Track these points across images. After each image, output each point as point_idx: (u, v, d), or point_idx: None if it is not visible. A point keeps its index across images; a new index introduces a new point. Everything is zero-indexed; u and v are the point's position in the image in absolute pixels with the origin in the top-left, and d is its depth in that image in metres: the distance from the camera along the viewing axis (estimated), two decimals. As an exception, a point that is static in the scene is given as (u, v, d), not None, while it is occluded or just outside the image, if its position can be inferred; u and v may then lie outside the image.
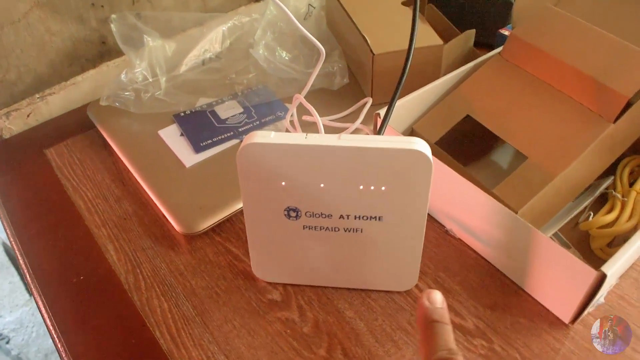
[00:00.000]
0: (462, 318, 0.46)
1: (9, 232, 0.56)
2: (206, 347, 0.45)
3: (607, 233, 0.48)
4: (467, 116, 0.54)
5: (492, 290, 0.48)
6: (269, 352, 0.44)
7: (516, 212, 0.47)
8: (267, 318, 0.47)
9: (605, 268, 0.40)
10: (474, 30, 0.63)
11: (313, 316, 0.47)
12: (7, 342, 1.39)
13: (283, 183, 0.42)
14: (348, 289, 0.48)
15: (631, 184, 0.52)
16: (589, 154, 0.49)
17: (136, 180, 0.58)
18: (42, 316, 0.49)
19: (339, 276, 0.48)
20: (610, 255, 0.41)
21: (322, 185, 0.42)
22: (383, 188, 0.41)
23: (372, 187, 0.41)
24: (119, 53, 0.70)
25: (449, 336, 0.34)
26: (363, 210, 0.43)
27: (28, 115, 0.67)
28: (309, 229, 0.44)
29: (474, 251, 0.51)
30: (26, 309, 1.44)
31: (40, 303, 0.50)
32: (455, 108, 0.56)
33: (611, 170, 0.54)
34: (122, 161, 0.60)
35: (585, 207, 0.53)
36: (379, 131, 0.48)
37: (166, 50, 0.66)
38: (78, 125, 0.67)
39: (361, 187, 0.41)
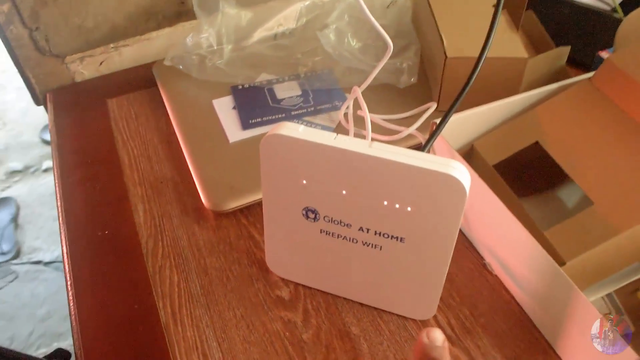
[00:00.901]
0: (476, 365, 0.41)
1: (55, 174, 0.58)
2: (202, 330, 0.44)
3: (669, 309, 0.41)
4: (536, 143, 0.48)
5: (519, 341, 0.43)
6: (261, 351, 0.42)
7: (565, 263, 0.41)
8: (270, 315, 0.45)
9: (649, 354, 0.34)
10: (568, 47, 0.56)
11: (317, 323, 0.44)
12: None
13: (304, 181, 0.39)
14: (360, 303, 0.45)
15: None
16: (669, 214, 0.42)
17: (181, 146, 0.58)
18: (63, 260, 0.50)
19: (353, 289, 0.45)
20: None
21: (344, 192, 0.38)
22: (409, 209, 0.37)
23: (397, 205, 0.37)
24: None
25: None
26: (384, 228, 0.39)
27: (101, 63, 0.69)
28: (326, 234, 0.41)
29: (509, 293, 0.46)
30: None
31: (63, 247, 0.51)
32: (525, 131, 0.50)
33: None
34: (173, 125, 0.60)
35: (654, 272, 0.45)
36: (426, 142, 0.43)
37: (241, 19, 0.64)
38: (144, 80, 0.67)
39: (385, 202, 0.37)
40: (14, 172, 1.75)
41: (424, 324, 0.44)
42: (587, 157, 0.46)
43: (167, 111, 0.62)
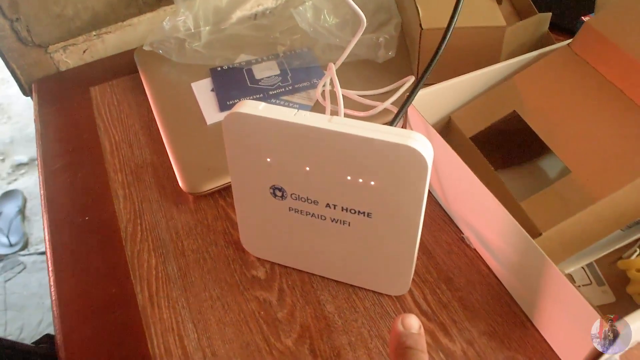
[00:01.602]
0: (451, 339, 0.41)
1: (38, 162, 0.58)
2: (178, 312, 0.44)
3: (647, 278, 0.40)
4: (514, 112, 0.47)
5: (496, 315, 0.42)
6: (236, 331, 0.42)
7: (541, 233, 0.40)
8: (245, 295, 0.45)
9: (630, 319, 0.33)
10: (549, 14, 0.54)
11: (291, 302, 0.44)
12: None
13: (268, 159, 0.39)
14: (335, 280, 0.45)
15: (702, 224, 0.42)
16: (649, 180, 0.40)
17: (158, 131, 0.57)
18: (45, 247, 0.51)
19: (327, 266, 0.44)
20: None
21: (307, 168, 0.38)
22: (372, 183, 0.36)
23: (361, 180, 0.37)
24: (176, -2, 0.69)
25: None
26: (350, 203, 0.38)
27: (84, 51, 0.69)
28: (295, 211, 0.41)
29: (487, 267, 0.45)
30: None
31: (46, 235, 0.51)
32: (502, 100, 0.48)
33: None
34: (152, 109, 0.60)
35: (635, 242, 0.44)
36: (395, 116, 0.42)
37: (221, 0, 0.63)
38: (127, 67, 0.67)
39: (349, 177, 0.37)
40: (20, 165, 1.78)
41: (399, 299, 0.43)
42: (565, 125, 0.45)
43: (146, 97, 0.62)
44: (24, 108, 1.95)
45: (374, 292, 0.44)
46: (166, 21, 0.60)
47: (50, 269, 0.49)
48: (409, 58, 0.60)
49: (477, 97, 0.50)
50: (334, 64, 0.53)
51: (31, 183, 1.73)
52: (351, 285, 0.44)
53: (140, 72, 0.63)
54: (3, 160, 1.80)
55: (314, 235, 0.42)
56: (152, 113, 0.60)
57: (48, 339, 0.53)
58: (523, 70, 0.49)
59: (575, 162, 0.42)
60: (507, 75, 0.51)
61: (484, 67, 0.50)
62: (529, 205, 0.42)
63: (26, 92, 0.71)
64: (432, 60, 0.43)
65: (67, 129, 0.61)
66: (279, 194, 0.40)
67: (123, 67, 0.68)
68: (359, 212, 0.38)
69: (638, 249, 0.43)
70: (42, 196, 0.55)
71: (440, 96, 0.49)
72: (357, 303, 0.44)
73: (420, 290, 0.44)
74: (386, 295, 0.44)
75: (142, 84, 0.64)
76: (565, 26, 0.59)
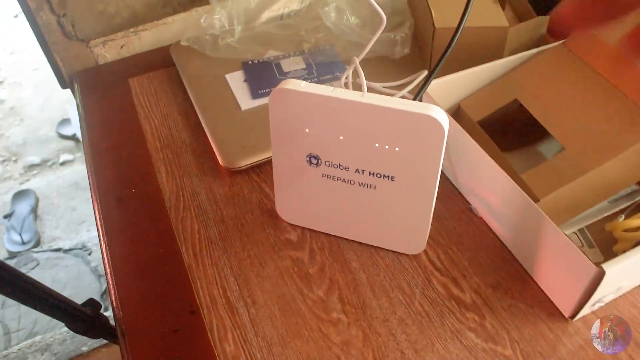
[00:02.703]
0: (462, 291, 0.47)
1: (84, 144, 0.64)
2: (220, 268, 0.50)
3: (631, 237, 0.46)
4: (515, 100, 0.54)
5: (500, 271, 0.48)
6: (273, 283, 0.48)
7: (538, 200, 0.47)
8: (280, 254, 0.51)
9: (606, 266, 0.39)
10: (547, 17, 0.61)
11: (321, 260, 0.50)
12: (90, 254, 1.57)
13: (307, 130, 0.45)
14: (360, 243, 0.51)
15: (678, 196, 0.49)
16: (631, 155, 0.47)
17: (197, 116, 0.64)
18: (95, 215, 0.57)
19: (352, 229, 0.50)
20: None
21: (341, 137, 0.44)
22: (397, 149, 0.43)
23: (387, 147, 0.43)
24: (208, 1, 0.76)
25: None
26: (377, 168, 0.45)
27: (122, 47, 0.75)
28: (328, 177, 0.47)
29: (493, 232, 0.51)
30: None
31: (95, 204, 0.57)
32: (504, 90, 0.55)
33: (662, 180, 0.51)
34: (189, 97, 0.66)
35: (622, 210, 0.51)
36: (415, 97, 0.49)
37: (250, 2, 0.70)
38: (162, 61, 0.74)
39: (377, 145, 0.43)
40: (32, 166, 1.83)
41: (415, 258, 0.50)
42: (560, 110, 0.51)
43: (184, 88, 0.69)
44: (37, 111, 2.01)
45: (393, 251, 0.50)
46: (203, 19, 0.67)
47: (101, 234, 0.54)
48: (421, 55, 0.67)
49: (483, 88, 0.57)
50: (357, 57, 0.59)
51: (43, 184, 1.78)
52: (373, 246, 0.51)
53: (177, 65, 0.70)
54: (16, 161, 1.85)
55: (343, 199, 0.48)
56: (189, 102, 0.67)
57: (92, 302, 0.58)
58: (523, 64, 0.56)
59: (569, 140, 0.49)
60: (509, 69, 0.57)
61: (488, 62, 0.57)
62: (529, 176, 0.49)
63: (65, 84, 0.77)
64: (444, 54, 0.50)
65: (110, 115, 0.67)
66: (314, 161, 0.47)
67: (157, 62, 0.74)
68: (384, 176, 0.45)
69: (623, 215, 0.49)
70: (91, 173, 0.61)
71: (451, 86, 0.56)
72: (378, 261, 0.50)
73: (434, 251, 0.50)
74: (404, 254, 0.50)
75: (177, 76, 0.70)
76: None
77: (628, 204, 0.51)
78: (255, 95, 0.63)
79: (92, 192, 0.59)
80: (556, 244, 0.43)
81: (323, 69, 0.66)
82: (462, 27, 0.50)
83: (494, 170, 0.47)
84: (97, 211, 0.57)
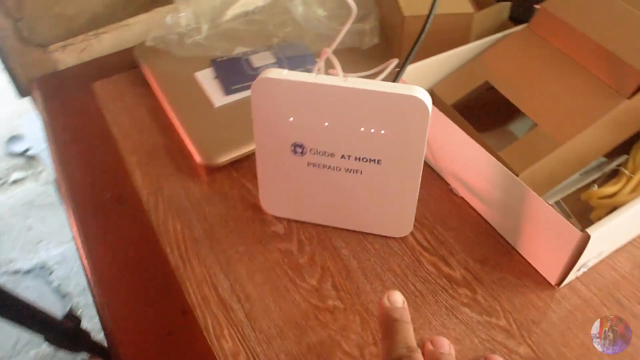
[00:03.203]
0: (451, 268, 0.48)
1: (51, 149, 0.62)
2: (209, 266, 0.49)
3: (606, 203, 0.48)
4: (487, 84, 0.56)
5: (485, 247, 0.50)
6: (265, 277, 0.48)
7: (517, 175, 0.48)
8: (268, 247, 0.50)
9: (590, 230, 0.41)
10: (509, 3, 0.64)
11: (310, 250, 0.50)
12: (50, 274, 1.51)
13: (291, 119, 0.45)
14: (347, 230, 0.51)
15: (644, 164, 0.52)
16: (600, 127, 0.49)
17: (168, 116, 0.63)
18: (70, 225, 0.55)
19: (339, 216, 0.51)
20: None
21: (326, 123, 0.44)
22: (382, 132, 0.43)
23: (372, 130, 0.43)
24: (171, 0, 0.75)
25: (408, 334, 0.35)
26: (363, 152, 0.45)
27: (82, 50, 0.73)
28: (313, 166, 0.47)
29: (475, 210, 0.52)
30: (71, 244, 1.55)
31: (70, 213, 0.55)
32: (475, 73, 0.57)
33: (627, 150, 0.54)
34: (158, 98, 0.65)
35: (594, 181, 0.53)
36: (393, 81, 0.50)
37: (213, 0, 0.70)
38: (125, 64, 0.72)
39: (362, 129, 0.44)
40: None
41: (403, 240, 0.50)
42: (530, 89, 0.53)
43: (151, 89, 0.67)
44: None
45: (381, 236, 0.51)
46: (169, 18, 0.66)
47: (79, 241, 0.53)
48: (388, 44, 0.68)
49: (454, 72, 0.58)
50: (329, 48, 0.60)
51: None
52: (361, 232, 0.51)
53: (142, 66, 0.68)
54: (-38, 182, 1.76)
55: (329, 186, 0.48)
56: (158, 102, 0.65)
57: (72, 314, 0.56)
58: (491, 48, 0.58)
59: (540, 117, 0.51)
60: (477, 53, 0.59)
61: (456, 48, 0.58)
62: (506, 153, 0.50)
63: (24, 92, 0.74)
64: (417, 40, 0.51)
65: (76, 121, 0.65)
66: (299, 150, 0.47)
67: (121, 64, 0.72)
68: (370, 160, 0.45)
69: (596, 185, 0.51)
70: (61, 181, 0.58)
71: (423, 72, 0.57)
72: (367, 246, 0.50)
73: (420, 232, 0.51)
74: (392, 237, 0.50)
75: (143, 78, 0.69)
76: (519, 18, 0.69)
77: (598, 175, 0.53)
78: (228, 91, 0.62)
79: (64, 201, 0.57)
80: (540, 214, 0.44)
81: (294, 62, 0.66)
82: (433, 13, 0.51)
83: (473, 148, 0.49)
84: (72, 220, 0.55)
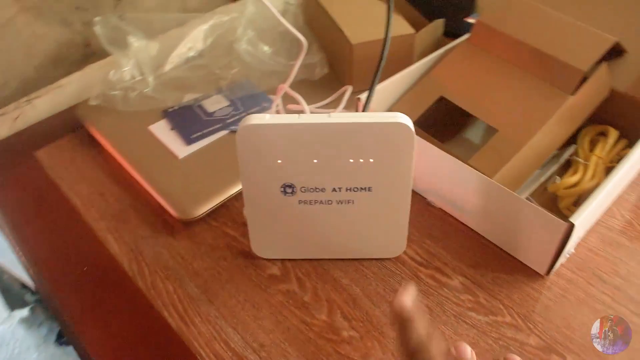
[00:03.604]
0: (449, 277, 0.50)
1: (7, 232, 0.57)
2: (214, 322, 0.48)
3: (572, 192, 0.53)
4: (441, 97, 0.59)
5: (473, 251, 0.52)
6: (274, 322, 0.48)
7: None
8: (269, 291, 0.50)
9: (573, 219, 0.44)
10: (442, 20, 0.68)
11: (312, 286, 0.50)
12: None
13: (279, 161, 0.45)
14: (342, 259, 0.52)
15: (591, 150, 0.57)
16: (552, 124, 0.54)
17: (130, 174, 0.60)
18: (51, 309, 0.51)
19: (334, 247, 0.51)
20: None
21: (315, 160, 0.45)
22: (371, 160, 0.45)
23: (361, 160, 0.45)
24: (102, 55, 0.72)
25: (421, 330, 0.34)
26: (354, 182, 0.46)
27: (15, 119, 0.68)
28: (305, 203, 0.48)
29: (454, 218, 0.55)
30: (6, 325, 1.42)
31: (47, 296, 0.51)
32: (429, 90, 0.60)
33: (573, 140, 0.59)
34: (114, 158, 0.62)
35: (552, 174, 0.58)
36: (364, 108, 0.52)
37: (150, 50, 0.68)
38: (66, 126, 0.68)
39: (351, 160, 0.45)
40: None
41: (398, 259, 0.52)
42: (483, 98, 0.57)
43: (102, 149, 0.64)
44: None
45: (376, 259, 0.52)
46: (112, 73, 0.64)
47: (69, 323, 0.49)
48: (334, 75, 0.70)
49: (408, 92, 0.61)
50: (284, 84, 0.61)
51: None
52: (356, 260, 0.52)
53: (88, 127, 0.65)
54: None
55: (322, 220, 0.49)
56: (113, 162, 0.63)
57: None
58: (439, 64, 0.61)
59: (499, 123, 0.55)
60: (426, 71, 0.62)
61: (401, 69, 0.61)
62: (475, 161, 0.53)
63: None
64: (379, 65, 0.53)
65: (26, 195, 0.61)
66: (289, 190, 0.47)
67: (61, 128, 0.68)
68: (361, 188, 0.47)
69: (557, 177, 0.56)
70: (27, 264, 0.54)
71: (381, 94, 0.60)
72: (365, 272, 0.51)
73: (411, 248, 0.53)
74: (387, 259, 0.52)
75: (90, 139, 0.66)
76: (449, 31, 0.73)
77: (555, 167, 0.58)
78: (188, 141, 0.61)
79: (37, 284, 0.53)
80: (523, 213, 0.48)
81: (248, 102, 0.66)
82: (389, 37, 0.53)
83: (449, 161, 0.51)
84: (52, 299, 0.51)
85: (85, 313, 0.49)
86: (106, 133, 0.64)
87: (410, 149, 0.44)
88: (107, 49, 0.65)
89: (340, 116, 0.43)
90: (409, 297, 0.36)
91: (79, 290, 0.51)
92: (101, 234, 0.56)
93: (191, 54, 0.71)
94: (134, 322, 0.49)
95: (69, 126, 0.68)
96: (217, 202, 0.56)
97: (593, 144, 0.58)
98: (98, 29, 0.65)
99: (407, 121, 0.43)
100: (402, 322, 0.35)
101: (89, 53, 0.71)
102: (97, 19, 0.65)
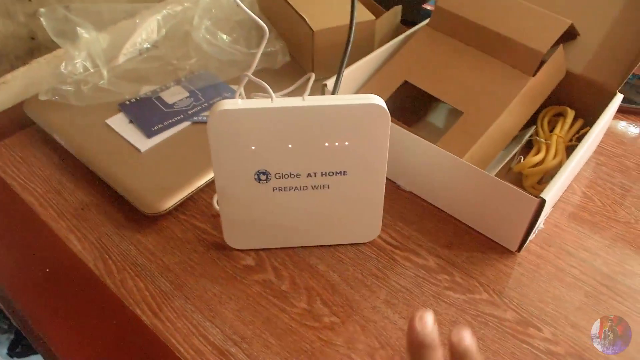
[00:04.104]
0: (424, 259, 0.51)
1: (-44, 237, 0.53)
2: (190, 317, 0.46)
3: (537, 171, 0.54)
4: (405, 82, 0.59)
5: (446, 232, 0.53)
6: (253, 312, 0.46)
7: (460, 160, 0.52)
8: (245, 282, 0.49)
9: (544, 194, 0.46)
10: (400, 6, 0.69)
11: (289, 274, 0.49)
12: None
13: (253, 147, 0.44)
14: (317, 246, 0.51)
15: (551, 131, 0.59)
16: (516, 105, 0.55)
17: (88, 171, 0.57)
18: (11, 314, 0.48)
19: (309, 235, 0.51)
20: (542, 190, 0.47)
21: (290, 145, 0.44)
22: (347, 143, 0.44)
23: (337, 143, 0.44)
24: (49, 49, 0.68)
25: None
26: (329, 167, 0.46)
27: (-44, 118, 0.64)
28: (279, 190, 0.47)
29: (425, 201, 0.56)
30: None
31: (6, 300, 0.48)
32: (393, 75, 0.60)
33: (532, 122, 0.61)
34: (69, 154, 0.59)
35: (515, 154, 0.59)
36: (333, 91, 0.51)
37: (102, 41, 0.65)
38: (14, 124, 0.64)
39: (327, 144, 0.44)
40: None
41: (373, 243, 0.52)
42: (446, 82, 0.58)
43: (55, 146, 0.61)
44: None
45: (351, 245, 0.52)
46: (63, 66, 0.60)
47: (29, 330, 0.46)
48: (294, 63, 0.69)
49: (373, 77, 0.61)
50: (248, 72, 0.59)
51: None
52: (332, 246, 0.51)
53: (40, 123, 0.61)
54: None
55: (297, 207, 0.48)
56: (69, 159, 0.59)
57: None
58: (401, 49, 0.62)
59: (464, 105, 0.56)
60: (388, 57, 0.63)
61: (362, 56, 0.61)
62: (443, 143, 0.54)
63: None
64: (346, 49, 0.53)
65: (-25, 197, 0.57)
66: (263, 177, 0.46)
67: (8, 126, 0.64)
68: (336, 172, 0.46)
69: (521, 157, 0.57)
70: (-21, 267, 0.51)
71: (345, 80, 0.59)
72: (342, 257, 0.51)
73: (385, 232, 0.53)
74: (362, 243, 0.52)
75: (42, 136, 0.62)
76: (405, 19, 0.74)
77: (518, 147, 0.60)
78: (149, 133, 0.59)
79: (-8, 289, 0.49)
80: (494, 191, 0.49)
81: (209, 92, 0.64)
82: (354, 22, 0.53)
83: (419, 143, 0.52)
84: (11, 307, 0.48)
85: (52, 317, 0.47)
86: (60, 129, 0.60)
87: (385, 131, 0.44)
88: (55, 41, 0.61)
89: (314, 99, 0.43)
90: (431, 319, 0.33)
91: (43, 294, 0.48)
92: (62, 233, 0.53)
93: (145, 45, 0.68)
94: (105, 323, 0.46)
95: (18, 124, 0.64)
96: (185, 195, 0.54)
97: (551, 125, 0.60)
98: (44, 21, 0.61)
99: (382, 102, 0.43)
100: (419, 349, 0.33)
101: (34, 46, 0.67)
102: (42, 10, 0.61)
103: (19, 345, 1.01)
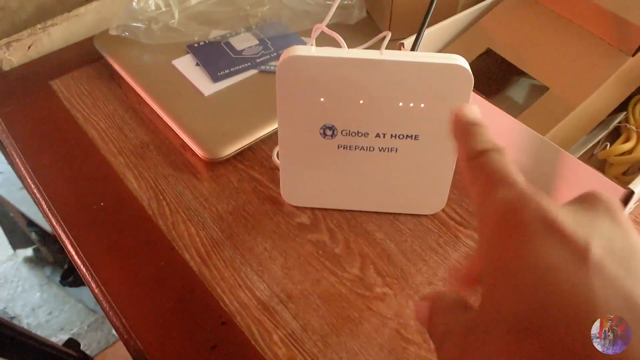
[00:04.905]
0: (489, 239, 0.47)
1: (19, 162, 0.54)
2: (238, 268, 0.45)
3: (625, 160, 0.50)
4: (488, 50, 0.55)
5: (516, 214, 0.49)
6: (302, 272, 0.45)
7: (540, 139, 0.48)
8: (298, 240, 0.47)
9: (632, 185, 0.41)
10: (490, -32, 0.63)
11: (343, 238, 0.47)
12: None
13: (322, 99, 0.42)
14: (376, 213, 0.49)
15: (644, 118, 0.54)
16: (609, 86, 0.50)
17: (151, 110, 0.57)
18: (64, 244, 0.48)
19: (370, 199, 0.48)
20: (626, 182, 0.42)
21: (361, 101, 0.41)
22: (422, 105, 0.41)
23: (412, 104, 0.41)
24: (123, -16, 0.68)
25: (490, 135, 0.29)
26: (400, 129, 0.43)
27: (29, 47, 0.64)
28: (344, 148, 0.44)
29: (496, 179, 0.52)
30: (10, 263, 1.40)
31: (60, 230, 0.48)
32: (476, 41, 0.56)
33: (622, 107, 0.55)
34: (134, 92, 0.59)
35: (600, 140, 0.54)
36: (412, 48, 0.48)
37: (177, -19, 0.64)
38: (83, 57, 0.64)
39: (400, 104, 0.41)
40: None
41: (435, 217, 0.49)
42: (533, 53, 0.53)
43: (121, 82, 0.61)
44: None
45: (412, 215, 0.49)
46: (135, 2, 0.59)
47: (79, 262, 0.46)
48: (374, 19, 0.66)
49: (454, 41, 0.57)
50: (321, 25, 0.56)
51: None
52: (391, 214, 0.49)
53: (108, 58, 0.61)
54: None
55: (360, 169, 0.45)
56: (133, 96, 0.59)
57: (72, 342, 0.49)
58: (487, 15, 0.57)
59: (550, 80, 0.51)
60: (472, 21, 0.58)
61: (444, 18, 0.57)
62: (524, 119, 0.50)
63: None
64: (429, 9, 0.49)
65: (41, 125, 0.57)
66: (329, 132, 0.43)
67: (77, 59, 0.65)
68: (407, 136, 0.43)
69: (608, 143, 0.52)
70: (38, 195, 0.51)
71: (424, 42, 0.56)
72: (401, 227, 0.48)
73: (450, 207, 0.50)
74: (423, 215, 0.49)
75: (109, 71, 0.62)
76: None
77: (604, 133, 0.55)
78: (215, 78, 0.57)
79: (49, 217, 0.50)
80: (575, 175, 0.44)
81: (279, 42, 0.62)
82: (439, -21, 0.49)
83: (498, 115, 0.48)
84: (64, 236, 0.48)
85: (101, 251, 0.47)
86: (127, 66, 0.60)
87: (466, 95, 0.41)
88: (131, -24, 0.60)
89: (393, 54, 0.40)
90: (476, 108, 0.30)
91: (95, 227, 0.48)
92: (120, 170, 0.53)
93: (220, -12, 0.66)
94: (153, 263, 0.46)
95: (87, 57, 0.64)
96: (245, 144, 0.52)
97: (645, 112, 0.55)
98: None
99: (466, 64, 0.39)
100: (467, 126, 0.29)
101: (110, -20, 0.67)
102: (122, -58, 0.60)
103: (71, 275, 1.05)
